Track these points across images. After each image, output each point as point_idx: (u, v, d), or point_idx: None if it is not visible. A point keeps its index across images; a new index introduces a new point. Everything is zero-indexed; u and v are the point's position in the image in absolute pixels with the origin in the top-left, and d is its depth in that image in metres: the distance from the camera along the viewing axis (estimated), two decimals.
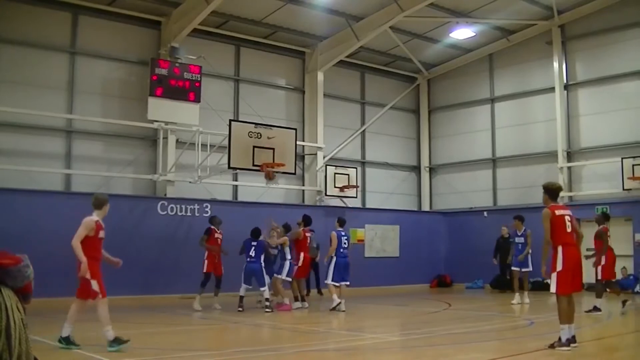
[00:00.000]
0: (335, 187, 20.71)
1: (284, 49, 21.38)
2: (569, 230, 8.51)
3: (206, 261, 14.74)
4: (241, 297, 14.37)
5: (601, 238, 13.06)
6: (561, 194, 18.11)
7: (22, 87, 16.47)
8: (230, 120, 15.63)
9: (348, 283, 14.80)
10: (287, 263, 14.89)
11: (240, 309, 14.09)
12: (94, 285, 8.58)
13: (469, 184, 23.67)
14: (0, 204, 14.77)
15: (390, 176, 24.15)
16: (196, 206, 17.50)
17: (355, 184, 21.11)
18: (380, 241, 21.87)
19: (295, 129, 16.69)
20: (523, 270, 16.08)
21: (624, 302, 12.87)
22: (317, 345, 9.75)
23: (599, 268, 13.00)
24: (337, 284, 14.51)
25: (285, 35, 20.78)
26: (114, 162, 17.75)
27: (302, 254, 15.20)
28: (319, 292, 18.28)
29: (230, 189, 19.74)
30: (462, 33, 21.92)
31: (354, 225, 20.55)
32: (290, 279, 15.06)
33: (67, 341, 8.47)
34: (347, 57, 21.69)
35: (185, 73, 17.57)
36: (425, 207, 24.81)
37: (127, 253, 16.57)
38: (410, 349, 9.35)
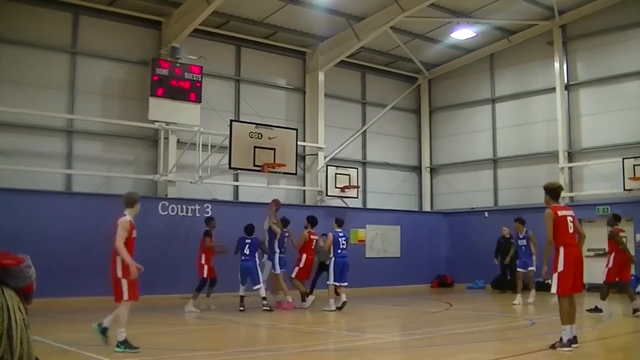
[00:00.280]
0: (336, 187, 20.69)
1: (285, 49, 21.38)
2: (571, 230, 8.52)
3: (206, 266, 14.49)
4: (242, 297, 14.37)
5: (614, 239, 13.04)
6: (562, 194, 18.12)
7: (23, 87, 16.47)
8: (231, 121, 15.63)
9: (346, 284, 14.79)
10: (277, 257, 15.03)
11: (241, 308, 14.09)
12: (124, 285, 8.51)
13: (470, 184, 23.66)
14: (1, 204, 14.77)
15: (391, 176, 24.14)
16: (197, 206, 17.49)
17: (356, 185, 21.10)
18: (381, 241, 21.86)
19: (296, 129, 16.69)
20: (529, 269, 16.10)
21: (634, 311, 12.54)
22: (317, 346, 9.74)
23: (606, 270, 12.97)
24: (338, 284, 14.60)
25: (286, 36, 20.77)
26: (115, 162, 17.75)
27: (304, 255, 15.18)
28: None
29: (231, 189, 19.74)
30: (463, 33, 21.91)
31: (355, 226, 20.55)
32: (284, 271, 15.13)
33: (125, 345, 8.36)
34: (348, 57, 21.68)
35: (186, 73, 17.57)
36: (426, 207, 24.80)
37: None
38: (411, 349, 9.35)
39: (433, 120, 25.17)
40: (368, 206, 22.91)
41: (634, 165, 18.66)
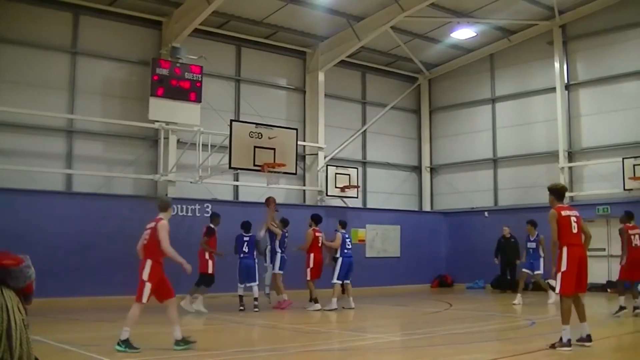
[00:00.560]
0: (336, 187, 20.68)
1: (285, 49, 21.37)
2: (574, 231, 8.54)
3: (210, 261, 14.20)
4: (241, 297, 14.35)
5: (621, 237, 13.02)
6: None
7: (23, 87, 16.46)
8: (231, 120, 15.64)
9: (349, 281, 14.97)
10: (279, 256, 15.05)
11: (241, 308, 14.07)
12: (146, 288, 8.54)
13: (470, 184, 23.66)
14: (1, 204, 14.77)
15: (391, 176, 24.14)
16: (197, 206, 17.49)
17: (356, 184, 21.10)
18: (381, 241, 21.86)
19: (296, 129, 16.69)
20: (535, 272, 16.09)
21: (620, 308, 12.59)
22: (318, 345, 9.74)
23: (620, 267, 12.95)
24: (341, 282, 14.74)
25: (286, 35, 20.77)
26: (115, 162, 17.75)
27: (312, 255, 15.05)
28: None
29: (231, 189, 19.74)
30: (463, 33, 21.90)
31: (355, 226, 20.55)
32: (282, 272, 15.10)
33: (185, 342, 8.49)
34: (348, 57, 21.68)
35: (186, 73, 17.57)
36: (426, 207, 24.79)
37: (128, 253, 16.63)
38: (412, 349, 9.35)
39: (433, 120, 25.17)
40: (368, 206, 22.90)
41: (634, 165, 18.66)
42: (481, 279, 21.84)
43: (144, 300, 8.57)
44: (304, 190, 21.21)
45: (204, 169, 17.08)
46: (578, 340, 8.42)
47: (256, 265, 14.46)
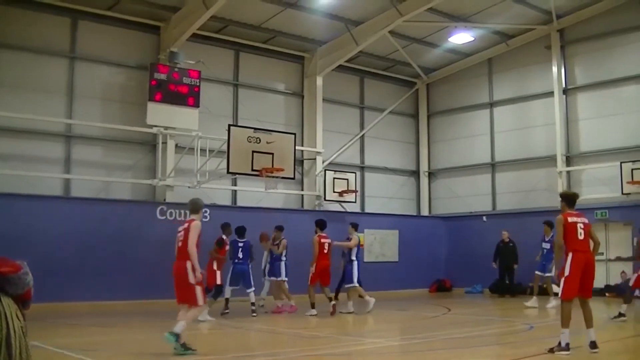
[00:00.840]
0: (334, 191, 20.66)
1: (283, 53, 21.39)
2: (580, 237, 8.58)
3: (218, 272, 13.77)
4: (227, 299, 14.25)
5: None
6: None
7: (22, 91, 16.46)
8: (230, 125, 15.65)
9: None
10: (283, 264, 15.05)
11: (227, 311, 13.95)
12: (198, 291, 8.58)
13: (469, 189, 23.65)
14: (0, 209, 14.75)
15: (389, 181, 24.14)
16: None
17: (354, 189, 21.09)
18: (379, 246, 21.85)
19: (295, 134, 16.69)
20: (546, 275, 16.05)
21: (620, 314, 12.53)
22: (317, 350, 9.72)
23: (635, 276, 12.90)
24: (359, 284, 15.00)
25: (285, 40, 20.79)
26: (114, 167, 17.74)
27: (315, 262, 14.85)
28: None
29: (229, 193, 19.72)
30: (461, 37, 21.94)
31: None
32: (286, 279, 15.08)
33: (185, 348, 8.40)
34: (346, 61, 21.71)
35: (184, 78, 17.55)
36: (425, 211, 24.79)
37: (127, 258, 16.66)
38: (412, 354, 9.34)
39: (431, 124, 25.18)
40: (366, 211, 22.89)
41: (632, 169, 18.66)
42: (479, 283, 21.82)
43: (200, 302, 8.62)
44: (302, 195, 21.20)
45: (202, 173, 17.08)
46: (589, 345, 8.37)
47: (250, 271, 14.41)
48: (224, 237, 14.22)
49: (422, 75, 24.51)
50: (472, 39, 22.02)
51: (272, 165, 15.33)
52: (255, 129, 15.78)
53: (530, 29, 21.69)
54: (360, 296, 14.97)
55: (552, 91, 21.16)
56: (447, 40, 22.11)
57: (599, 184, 20.07)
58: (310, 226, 15.57)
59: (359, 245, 15.34)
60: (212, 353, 9.17)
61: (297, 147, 17.12)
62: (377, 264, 21.47)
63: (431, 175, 25.04)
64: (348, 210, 21.34)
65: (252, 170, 15.17)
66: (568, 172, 20.95)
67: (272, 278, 15.21)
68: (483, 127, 23.50)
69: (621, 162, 18.89)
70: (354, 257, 14.90)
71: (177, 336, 8.38)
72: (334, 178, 20.79)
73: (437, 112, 25.04)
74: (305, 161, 21.31)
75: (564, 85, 21.20)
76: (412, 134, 25.20)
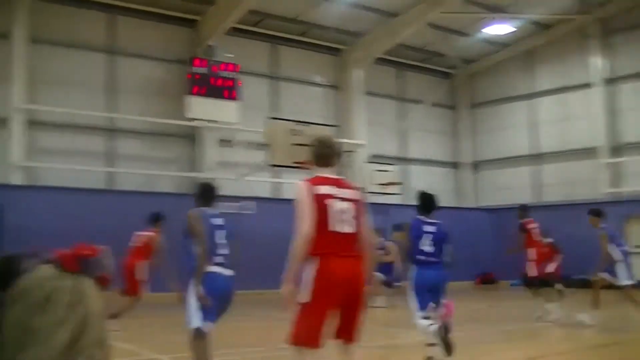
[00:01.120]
0: (376, 184, 20.46)
1: (320, 46, 21.29)
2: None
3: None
4: None
5: None
6: (606, 190, 17.79)
7: (64, 86, 16.70)
8: (270, 118, 15.65)
9: None
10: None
11: None
12: None
13: (512, 180, 23.30)
14: (47, 203, 15.01)
15: (429, 173, 23.89)
16: (239, 203, 17.45)
17: (396, 181, 20.88)
18: None
19: (335, 126, 16.61)
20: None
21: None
22: (365, 342, 9.62)
23: None
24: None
25: (320, 33, 20.68)
26: (156, 160, 17.89)
27: None
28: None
29: (272, 186, 19.69)
30: (500, 28, 21.56)
31: (397, 223, 20.33)
32: None
33: None
34: (383, 53, 21.50)
35: (222, 71, 17.59)
36: (469, 203, 24.48)
37: (170, 250, 16.76)
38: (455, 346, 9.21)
39: (474, 115, 24.85)
40: (409, 203, 22.65)
41: None
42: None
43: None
44: None
45: (244, 166, 17.11)
46: None
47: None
48: None
49: (461, 67, 24.18)
50: (513, 29, 21.62)
51: None
52: (295, 121, 15.75)
53: (569, 19, 21.20)
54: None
55: (593, 82, 20.70)
56: (483, 31, 21.71)
57: None
58: None
59: None
60: (215, 348, 9.13)
61: (337, 140, 17.01)
62: None
63: (474, 166, 24.71)
64: (389, 202, 21.16)
65: (294, 162, 15.15)
66: (613, 163, 20.48)
67: None
68: (526, 117, 23.07)
69: None
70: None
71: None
72: (375, 170, 20.51)
73: (479, 103, 24.69)
74: (345, 154, 21.17)
75: (606, 75, 20.72)
76: (449, 126, 24.88)
